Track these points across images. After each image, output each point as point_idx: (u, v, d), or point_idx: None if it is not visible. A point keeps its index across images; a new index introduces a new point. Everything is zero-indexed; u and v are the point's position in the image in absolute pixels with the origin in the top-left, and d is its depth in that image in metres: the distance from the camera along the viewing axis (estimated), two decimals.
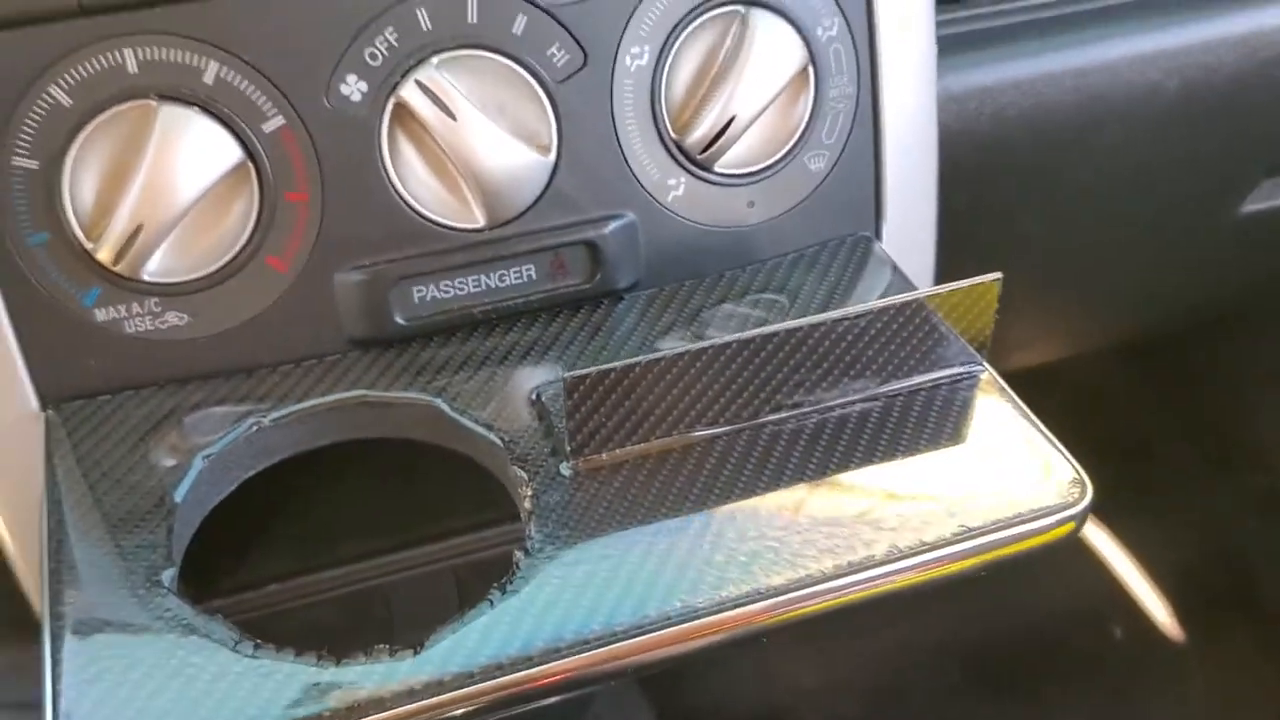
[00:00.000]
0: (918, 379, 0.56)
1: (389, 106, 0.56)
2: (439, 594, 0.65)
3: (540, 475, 0.53)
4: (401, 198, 0.58)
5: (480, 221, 0.59)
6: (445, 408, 0.56)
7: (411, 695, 0.44)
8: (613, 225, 0.61)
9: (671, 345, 0.58)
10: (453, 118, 0.56)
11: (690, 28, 0.60)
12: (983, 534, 0.50)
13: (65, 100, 0.53)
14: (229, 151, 0.55)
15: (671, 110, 0.61)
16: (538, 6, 0.57)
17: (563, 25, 0.58)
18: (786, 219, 0.64)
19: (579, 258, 0.61)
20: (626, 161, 0.60)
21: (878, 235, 0.66)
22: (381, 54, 0.56)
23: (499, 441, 0.55)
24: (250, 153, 0.55)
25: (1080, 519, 0.51)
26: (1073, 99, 0.74)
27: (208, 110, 0.54)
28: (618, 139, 0.60)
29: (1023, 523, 0.50)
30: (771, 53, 0.60)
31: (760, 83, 0.60)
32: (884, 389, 0.56)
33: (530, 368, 0.59)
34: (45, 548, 0.51)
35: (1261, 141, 0.84)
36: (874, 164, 0.65)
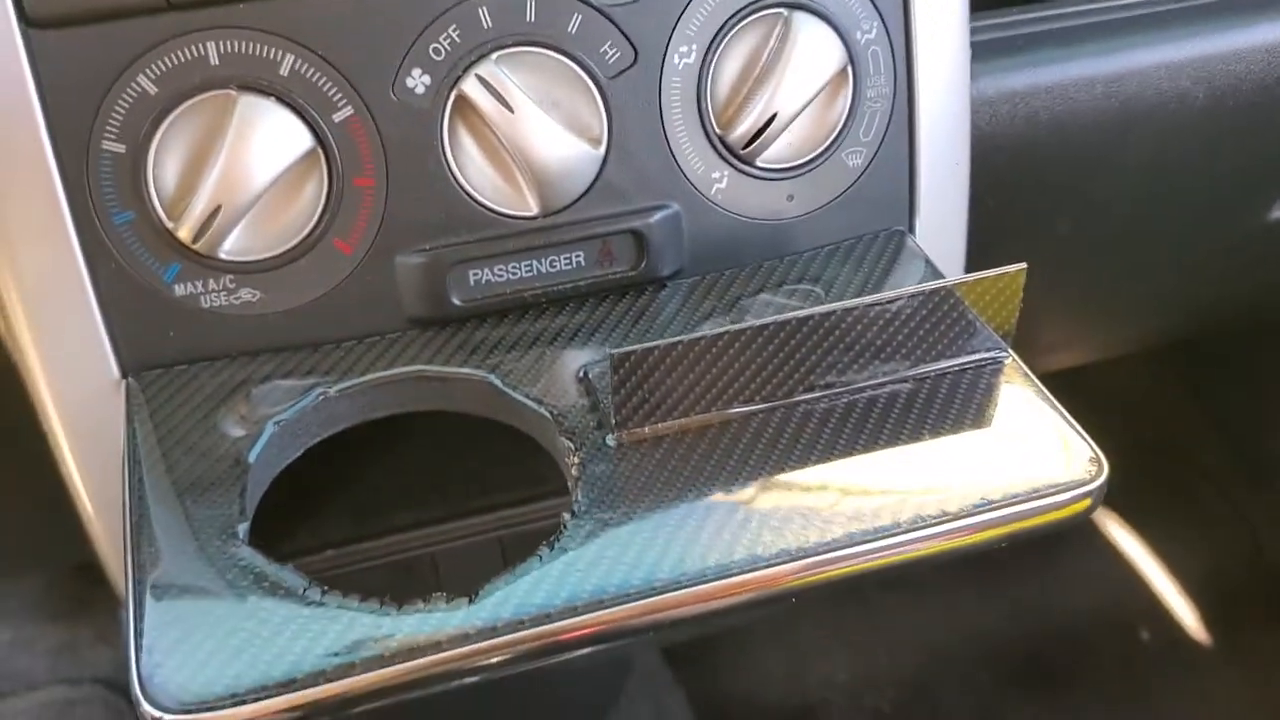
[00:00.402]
0: (945, 363, 0.59)
1: (450, 99, 0.60)
2: (486, 563, 0.69)
3: (587, 446, 0.56)
4: (460, 186, 0.61)
5: (534, 210, 0.62)
6: (498, 383, 0.60)
7: (466, 639, 0.48)
8: (658, 215, 0.64)
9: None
10: (510, 110, 0.60)
11: (736, 29, 0.63)
12: (1002, 506, 0.53)
13: (152, 89, 0.57)
14: (301, 139, 0.58)
15: (716, 107, 0.64)
16: (592, 6, 0.60)
17: (615, 25, 0.61)
18: (824, 213, 0.67)
19: (626, 246, 0.64)
20: (673, 155, 0.64)
21: (911, 230, 0.69)
22: (445, 50, 0.59)
23: (548, 415, 0.58)
24: (321, 141, 0.59)
25: (1096, 496, 0.54)
26: (1103, 105, 0.77)
27: (283, 100, 0.58)
28: (665, 133, 0.63)
29: (1041, 497, 0.53)
30: (812, 54, 0.63)
31: (801, 82, 0.63)
32: (913, 372, 0.59)
33: (578, 348, 0.62)
34: (127, 504, 0.55)
35: None
36: (908, 161, 0.68)
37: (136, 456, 0.57)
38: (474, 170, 0.61)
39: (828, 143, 0.66)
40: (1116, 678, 1.52)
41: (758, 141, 0.64)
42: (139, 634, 0.48)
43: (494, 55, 0.60)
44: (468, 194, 0.62)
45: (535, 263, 0.63)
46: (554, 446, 0.58)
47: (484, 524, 0.69)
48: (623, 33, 0.61)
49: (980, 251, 0.72)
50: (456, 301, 0.63)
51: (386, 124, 0.60)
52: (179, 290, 0.60)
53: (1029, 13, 0.77)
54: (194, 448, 0.57)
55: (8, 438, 0.67)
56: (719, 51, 0.63)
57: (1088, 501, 0.54)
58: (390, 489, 0.70)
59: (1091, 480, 0.54)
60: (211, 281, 0.60)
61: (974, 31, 0.69)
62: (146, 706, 0.46)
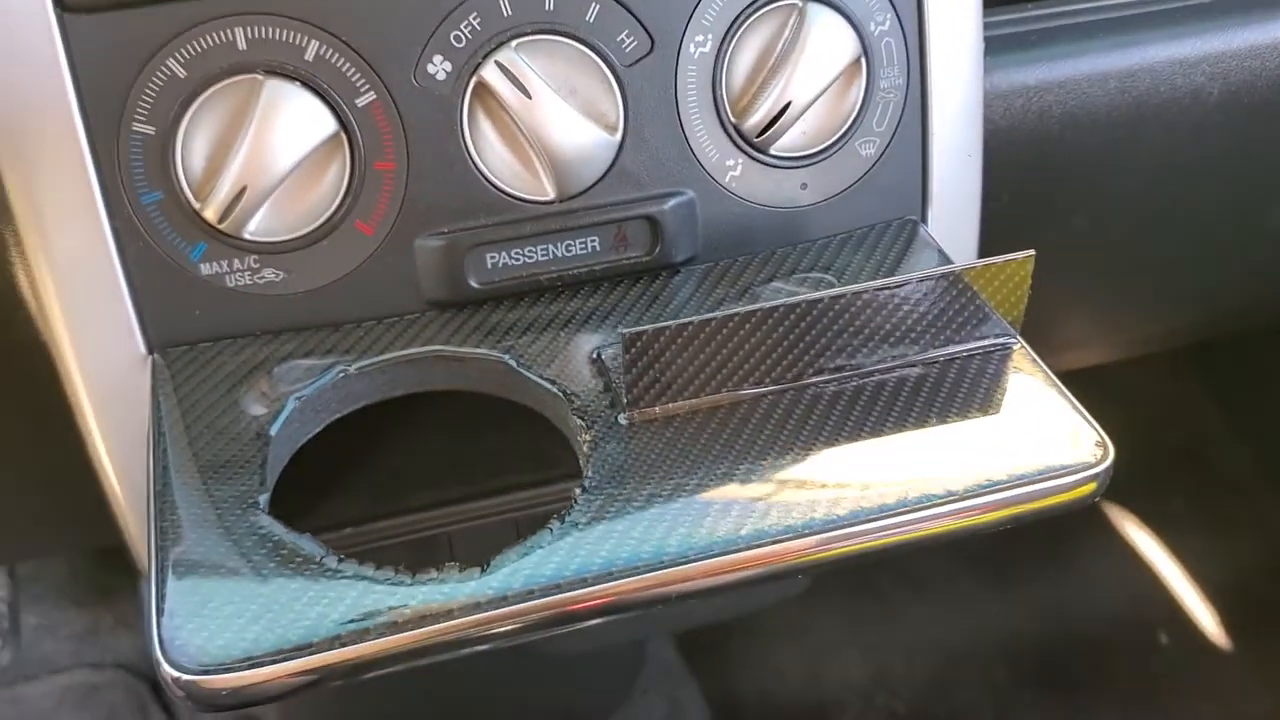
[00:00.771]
0: (954, 348, 0.60)
1: (470, 85, 0.61)
2: (500, 542, 0.70)
3: (599, 424, 0.57)
4: (479, 170, 0.63)
5: (550, 195, 0.64)
6: (513, 363, 0.61)
7: (478, 608, 0.49)
8: (673, 202, 0.65)
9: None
10: (529, 97, 0.61)
11: (751, 18, 0.64)
12: (1008, 488, 0.54)
13: (181, 72, 0.58)
14: (325, 123, 0.60)
15: (731, 95, 0.65)
16: None
17: (632, 13, 0.62)
18: (837, 201, 0.68)
19: (640, 231, 0.66)
20: (688, 142, 0.65)
21: (923, 219, 0.70)
22: (465, 37, 0.61)
23: (561, 395, 0.59)
24: (344, 125, 0.60)
25: (1102, 479, 0.55)
26: (1116, 100, 0.77)
27: (308, 85, 0.59)
28: (680, 121, 0.64)
29: (1046, 479, 0.54)
30: (826, 44, 0.64)
31: (815, 72, 0.64)
32: (921, 356, 0.60)
33: (591, 331, 0.64)
34: (151, 474, 0.56)
35: None
36: (921, 152, 0.69)
37: (161, 430, 0.58)
38: (492, 155, 0.63)
39: (841, 132, 0.67)
40: (1133, 680, 1.52)
41: (772, 130, 0.65)
42: (161, 598, 0.50)
43: (513, 43, 0.61)
44: (486, 179, 0.63)
45: (551, 247, 0.65)
46: (567, 426, 0.59)
47: (499, 505, 0.70)
48: (639, 21, 0.62)
49: (994, 245, 0.73)
50: (474, 284, 0.64)
51: (408, 109, 0.61)
52: (205, 269, 0.61)
53: (1043, 8, 0.78)
54: (216, 422, 0.59)
55: (36, 415, 0.69)
56: (734, 41, 0.64)
57: (1093, 485, 0.55)
58: (408, 470, 0.72)
59: (1097, 464, 0.55)
60: (236, 261, 0.62)
61: (988, 26, 0.70)
62: (167, 667, 0.47)
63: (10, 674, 1.52)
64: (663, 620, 1.17)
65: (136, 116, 0.59)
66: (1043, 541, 1.60)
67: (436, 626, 0.49)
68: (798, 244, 0.68)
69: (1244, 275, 0.99)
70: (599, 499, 0.53)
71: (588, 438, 0.56)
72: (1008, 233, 0.75)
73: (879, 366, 0.59)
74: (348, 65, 0.60)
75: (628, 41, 0.63)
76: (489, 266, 0.64)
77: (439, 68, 0.61)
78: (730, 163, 0.66)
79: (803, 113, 0.64)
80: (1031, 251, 0.58)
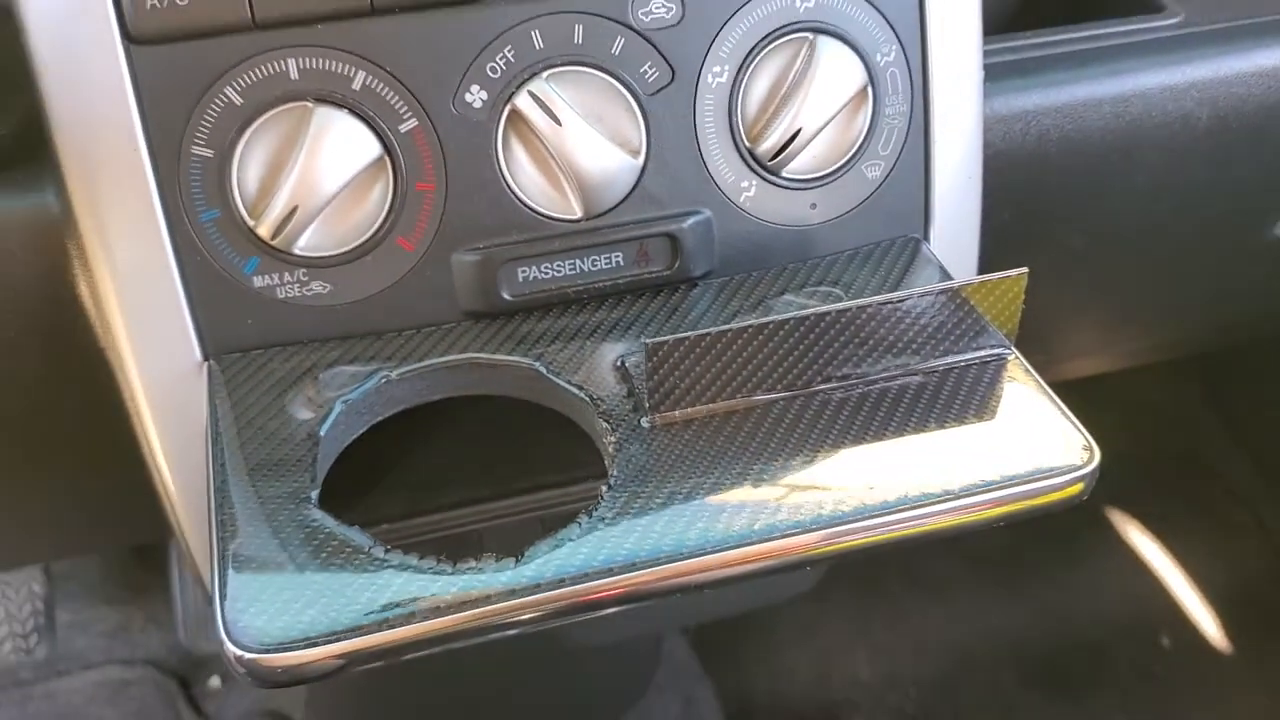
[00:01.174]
0: (953, 359, 0.64)
1: (505, 113, 0.66)
2: (528, 539, 0.74)
3: (623, 427, 0.62)
4: (512, 191, 0.67)
5: (578, 213, 0.68)
6: (543, 370, 0.66)
7: (513, 594, 0.53)
8: (691, 220, 0.70)
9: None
10: (559, 124, 0.65)
11: (765, 51, 0.68)
12: (1001, 488, 0.58)
13: (237, 100, 0.63)
14: (370, 147, 0.64)
15: (746, 122, 0.69)
16: (634, 30, 0.66)
17: (655, 47, 0.66)
18: (844, 220, 0.72)
19: (661, 248, 0.70)
20: (705, 165, 0.69)
21: (926, 238, 0.74)
22: (500, 68, 0.65)
23: (588, 400, 0.64)
24: (388, 149, 0.64)
25: (1089, 480, 0.59)
26: (1110, 124, 0.81)
27: (354, 112, 0.64)
28: (698, 146, 0.69)
29: (1036, 480, 0.58)
30: (835, 74, 0.68)
31: (824, 100, 0.68)
32: (922, 366, 0.64)
33: (616, 341, 0.68)
34: (210, 472, 0.61)
35: None
36: (924, 174, 0.73)
37: (218, 431, 0.63)
38: (525, 177, 0.67)
39: (849, 156, 0.71)
40: (1137, 683, 1.54)
41: (784, 154, 0.69)
42: (223, 585, 0.54)
43: (545, 74, 0.65)
44: (519, 198, 0.67)
45: (578, 262, 0.69)
46: (593, 428, 0.63)
47: (527, 503, 0.74)
48: (661, 54, 0.67)
49: (995, 261, 0.77)
50: (507, 296, 0.68)
51: (447, 135, 0.65)
52: (257, 282, 0.66)
53: (1040, 37, 0.82)
54: (268, 425, 0.63)
55: (95, 417, 0.73)
56: (749, 72, 0.68)
57: (1080, 486, 0.59)
58: (442, 471, 0.76)
59: (1084, 466, 0.59)
60: (287, 274, 0.66)
61: (987, 54, 0.74)
62: (231, 647, 0.52)
63: (44, 669, 1.56)
64: (679, 610, 1.20)
65: (196, 140, 0.63)
66: (1048, 546, 1.63)
67: (475, 611, 0.53)
68: (808, 260, 0.73)
69: (1233, 290, 1.02)
70: (623, 496, 0.58)
71: (612, 439, 0.61)
72: (1008, 249, 0.79)
73: (883, 375, 0.64)
74: (392, 94, 0.64)
75: (650, 72, 0.67)
76: (520, 280, 0.69)
77: (476, 96, 0.65)
78: (745, 184, 0.70)
79: (813, 138, 0.69)
80: (1025, 269, 0.62)
